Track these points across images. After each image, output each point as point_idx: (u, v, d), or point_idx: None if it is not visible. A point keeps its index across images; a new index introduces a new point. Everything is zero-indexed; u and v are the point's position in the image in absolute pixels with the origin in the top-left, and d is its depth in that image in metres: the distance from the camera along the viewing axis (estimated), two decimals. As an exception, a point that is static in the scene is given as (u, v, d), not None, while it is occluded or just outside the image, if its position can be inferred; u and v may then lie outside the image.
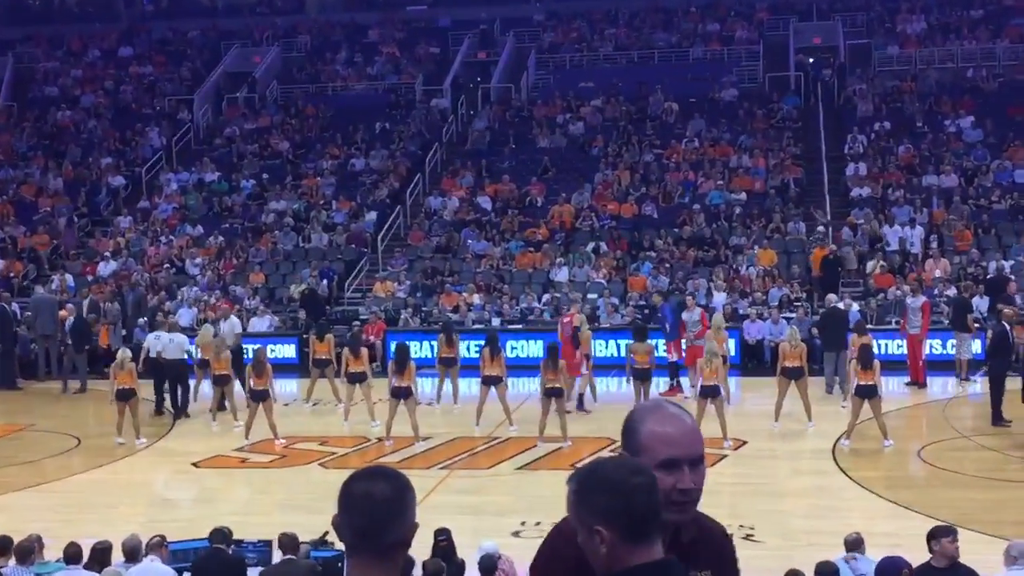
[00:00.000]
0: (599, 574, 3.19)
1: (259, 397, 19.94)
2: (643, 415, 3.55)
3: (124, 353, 20.59)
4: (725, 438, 18.70)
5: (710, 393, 18.83)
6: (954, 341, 24.60)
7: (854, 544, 11.21)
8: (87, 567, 11.04)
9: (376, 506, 3.24)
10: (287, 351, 27.24)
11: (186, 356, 23.24)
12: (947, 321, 25.06)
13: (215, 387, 21.62)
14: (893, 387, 22.62)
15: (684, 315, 23.88)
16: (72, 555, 11.04)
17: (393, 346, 21.32)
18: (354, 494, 3.26)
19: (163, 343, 23.17)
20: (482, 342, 21.67)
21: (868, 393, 18.36)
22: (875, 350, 20.26)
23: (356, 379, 21.04)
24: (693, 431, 3.54)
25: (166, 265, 31.44)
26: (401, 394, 19.35)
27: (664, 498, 3.27)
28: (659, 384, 22.50)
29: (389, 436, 19.62)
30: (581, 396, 22.11)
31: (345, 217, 33.28)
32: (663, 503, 3.24)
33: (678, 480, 3.46)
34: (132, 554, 11.25)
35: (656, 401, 3.80)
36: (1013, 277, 26.50)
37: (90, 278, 30.88)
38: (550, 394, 19.15)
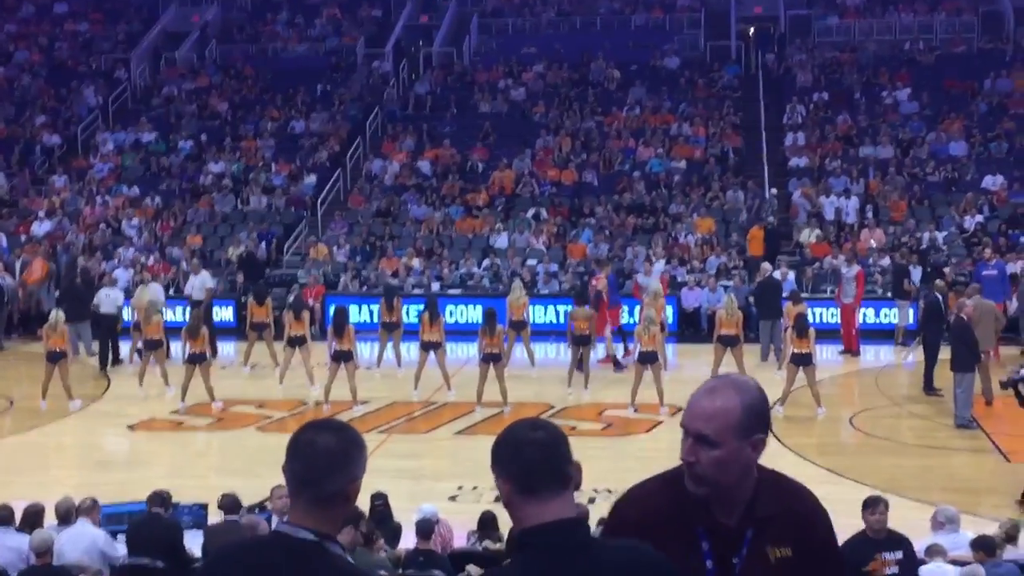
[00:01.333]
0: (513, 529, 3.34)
1: (195, 360, 19.84)
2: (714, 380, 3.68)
3: (58, 315, 20.34)
4: (661, 404, 18.84)
5: (648, 360, 18.99)
6: (887, 311, 25.02)
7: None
8: (19, 530, 10.95)
9: (317, 455, 3.30)
10: (225, 314, 27.03)
11: (118, 310, 23.43)
12: (881, 291, 25.41)
13: (146, 351, 21.40)
14: (827, 355, 22.88)
15: (640, 279, 24.15)
16: (3, 518, 10.95)
17: (332, 310, 21.26)
18: (299, 442, 3.34)
19: (99, 298, 23.34)
20: (421, 307, 21.65)
21: (803, 361, 18.61)
22: (810, 319, 20.50)
23: (295, 343, 20.93)
24: (710, 408, 3.51)
25: (102, 226, 31.07)
26: (341, 357, 19.34)
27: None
28: (599, 351, 22.61)
29: (327, 400, 19.58)
30: (614, 357, 22.57)
31: (284, 180, 33.06)
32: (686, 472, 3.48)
33: (681, 447, 3.54)
34: (65, 517, 11.21)
35: (727, 375, 3.82)
36: (945, 247, 26.87)
37: (23, 238, 30.46)
38: (488, 359, 19.23)
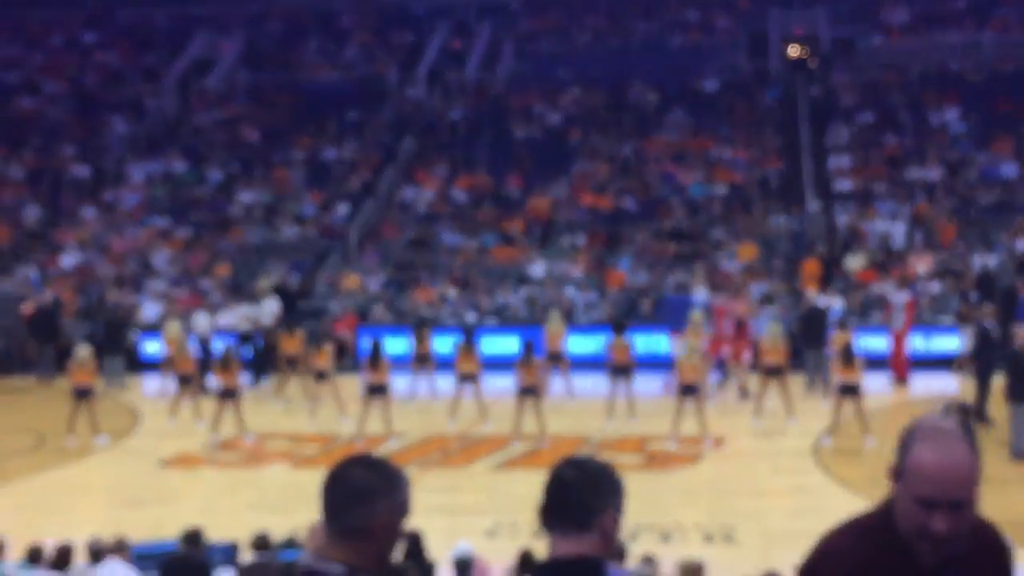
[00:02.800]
0: None
1: (227, 394, 19.42)
2: (920, 433, 3.27)
3: (84, 350, 20.00)
4: (704, 437, 18.28)
5: (690, 391, 18.41)
6: (938, 337, 24.40)
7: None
8: (50, 568, 11.02)
9: (343, 489, 3.35)
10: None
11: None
12: (930, 315, 24.73)
13: (180, 385, 21.11)
14: (876, 384, 22.19)
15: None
16: (34, 556, 11.11)
17: (365, 341, 20.89)
18: (331, 474, 3.41)
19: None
20: (457, 338, 21.24)
21: (850, 390, 18.12)
22: (857, 346, 19.89)
23: (320, 376, 20.84)
24: (961, 468, 3.17)
25: (131, 258, 30.75)
26: (375, 390, 18.96)
27: (917, 532, 3.18)
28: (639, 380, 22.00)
29: (361, 435, 19.11)
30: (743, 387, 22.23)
31: (316, 209, 32.65)
32: (916, 535, 3.17)
33: (929, 521, 3.17)
34: (95, 556, 11.09)
35: (939, 422, 3.33)
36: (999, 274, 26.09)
37: (52, 270, 30.19)
38: (525, 392, 18.72)
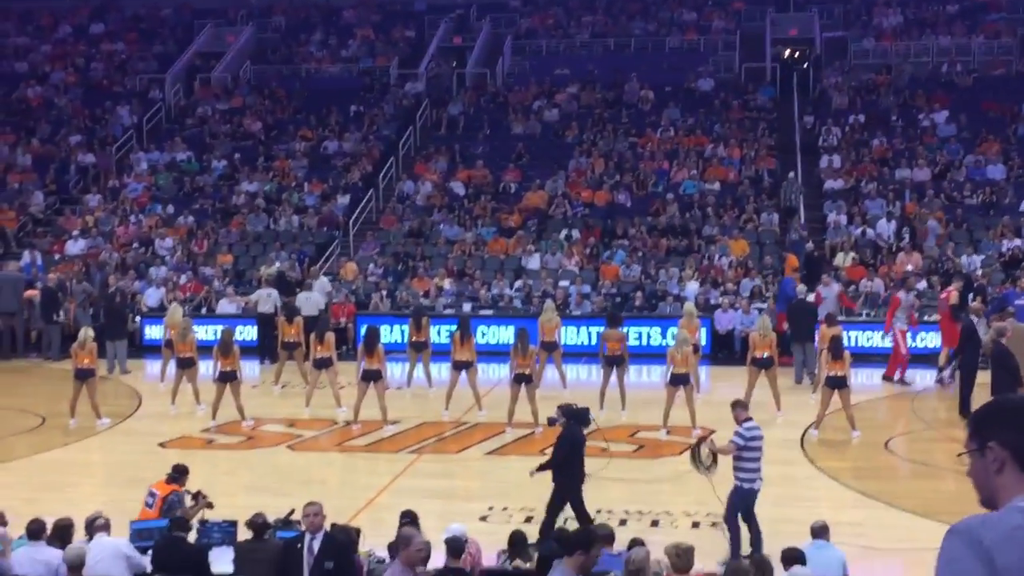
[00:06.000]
0: None
1: (226, 378, 19.82)
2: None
3: (86, 332, 20.31)
4: (694, 426, 18.66)
5: (680, 381, 18.82)
6: (924, 335, 24.79)
7: (820, 531, 11.22)
8: (49, 543, 11.04)
9: None
10: (255, 333, 27.03)
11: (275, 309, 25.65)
12: (918, 315, 25.12)
13: (179, 369, 21.37)
14: (862, 379, 22.67)
15: (822, 290, 24.72)
16: (34, 532, 11.08)
17: (363, 329, 21.20)
18: None
19: (259, 295, 26.71)
20: (453, 327, 21.59)
21: (838, 384, 18.41)
22: (845, 342, 20.28)
23: (321, 364, 20.84)
24: None
25: (135, 245, 31.21)
26: (371, 376, 19.27)
27: None
28: (644, 371, 22.42)
29: (357, 419, 19.51)
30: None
31: (317, 200, 33.11)
32: None
33: None
34: (90, 532, 11.28)
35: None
36: (982, 272, 26.55)
37: (57, 256, 30.65)
38: (519, 380, 19.09)
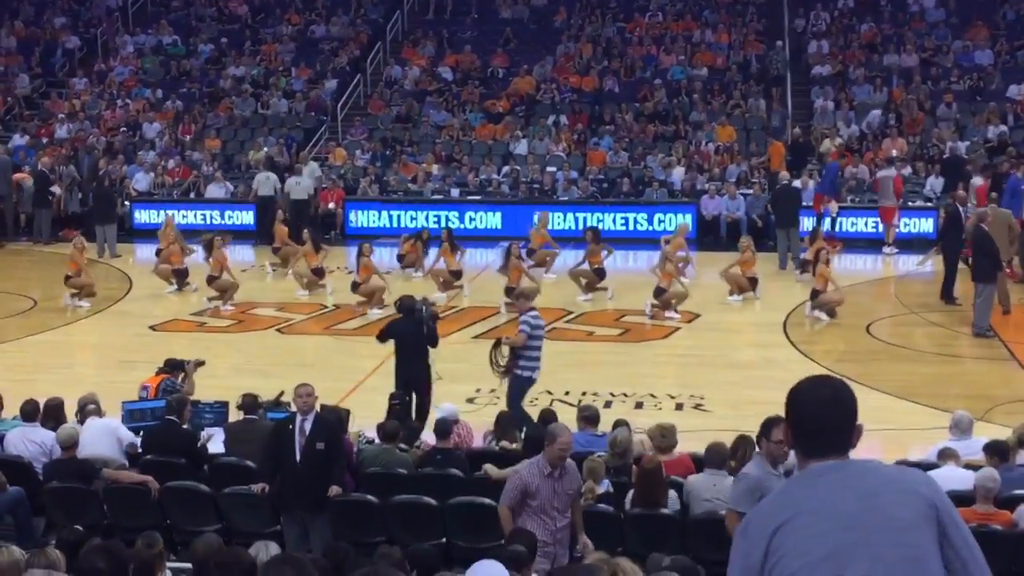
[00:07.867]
0: None
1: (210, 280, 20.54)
2: None
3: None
4: (675, 310, 19.03)
5: (657, 295, 19.24)
6: (906, 220, 25.11)
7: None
8: (42, 425, 11.21)
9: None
10: (245, 218, 27.14)
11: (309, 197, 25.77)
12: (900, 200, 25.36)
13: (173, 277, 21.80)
14: (847, 263, 22.97)
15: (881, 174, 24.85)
16: (28, 413, 11.23)
17: (353, 217, 21.21)
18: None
19: (289, 185, 26.17)
20: (441, 213, 21.71)
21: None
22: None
23: (317, 273, 21.49)
24: None
25: (123, 128, 31.11)
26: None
27: None
28: (630, 257, 22.59)
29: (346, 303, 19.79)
30: None
31: (304, 84, 32.95)
32: None
33: None
34: (82, 414, 11.50)
35: None
36: (968, 157, 26.64)
37: (45, 140, 30.55)
38: (509, 292, 18.94)
